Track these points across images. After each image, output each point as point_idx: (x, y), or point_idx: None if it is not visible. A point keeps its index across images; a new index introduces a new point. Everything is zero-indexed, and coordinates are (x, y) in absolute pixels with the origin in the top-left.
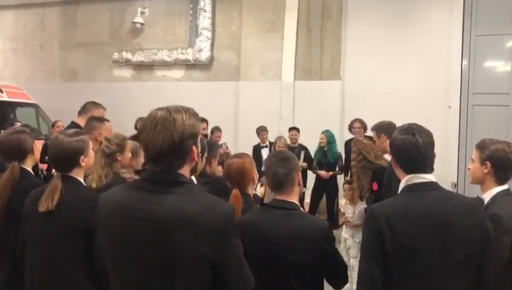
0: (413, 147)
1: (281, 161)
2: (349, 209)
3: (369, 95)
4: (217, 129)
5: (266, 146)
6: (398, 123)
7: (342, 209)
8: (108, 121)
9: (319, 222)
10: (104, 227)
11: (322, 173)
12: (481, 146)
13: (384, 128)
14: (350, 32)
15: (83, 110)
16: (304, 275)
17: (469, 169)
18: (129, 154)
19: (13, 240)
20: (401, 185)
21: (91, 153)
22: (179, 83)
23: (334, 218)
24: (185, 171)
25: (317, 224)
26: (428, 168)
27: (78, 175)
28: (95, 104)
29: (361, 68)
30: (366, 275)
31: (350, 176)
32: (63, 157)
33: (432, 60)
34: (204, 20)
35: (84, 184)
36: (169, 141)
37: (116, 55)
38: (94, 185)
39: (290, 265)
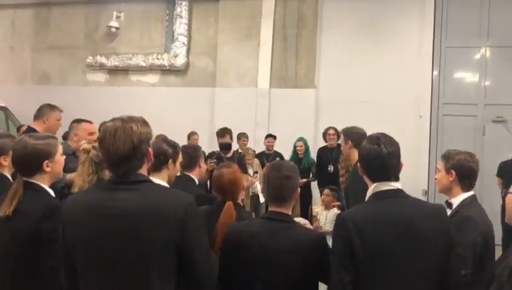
0: (378, 157)
1: (287, 179)
2: (323, 214)
3: (343, 104)
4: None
5: None
6: (371, 131)
7: (317, 216)
8: (87, 121)
9: (317, 234)
10: (73, 230)
11: (301, 181)
12: (446, 157)
13: (353, 135)
14: (325, 42)
15: (38, 114)
16: (303, 288)
17: (435, 179)
18: None
19: None
20: (369, 192)
21: (59, 158)
22: (154, 88)
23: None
24: (144, 171)
25: (317, 236)
26: (392, 177)
27: (42, 181)
28: (50, 106)
29: (335, 77)
30: (336, 282)
31: (335, 184)
32: (25, 161)
33: (403, 70)
34: (180, 26)
35: (49, 191)
36: (130, 144)
37: (90, 59)
38: (76, 191)
39: (291, 278)
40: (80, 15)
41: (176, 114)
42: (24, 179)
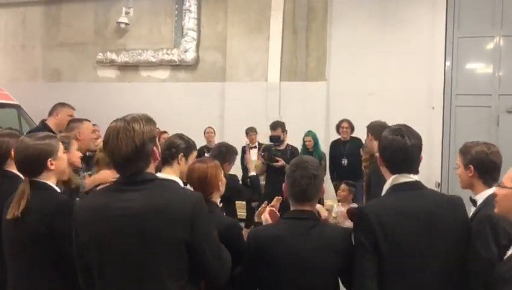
0: (401, 149)
1: (314, 178)
2: (340, 210)
3: (354, 96)
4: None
5: (255, 146)
6: None
7: (332, 210)
8: (88, 120)
9: (344, 230)
10: (84, 232)
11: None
12: (463, 150)
13: (373, 128)
14: (335, 34)
15: (51, 112)
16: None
17: (458, 175)
18: None
19: None
20: (387, 185)
21: (62, 156)
22: (164, 84)
23: None
24: (151, 169)
25: (345, 232)
26: (413, 170)
27: (49, 179)
28: (62, 104)
29: (346, 69)
30: (361, 276)
31: (349, 178)
32: (29, 162)
33: (415, 61)
34: (189, 21)
35: (56, 189)
36: (132, 146)
37: (100, 56)
38: None
39: (326, 278)
40: (89, 11)
41: (186, 109)
42: (31, 179)
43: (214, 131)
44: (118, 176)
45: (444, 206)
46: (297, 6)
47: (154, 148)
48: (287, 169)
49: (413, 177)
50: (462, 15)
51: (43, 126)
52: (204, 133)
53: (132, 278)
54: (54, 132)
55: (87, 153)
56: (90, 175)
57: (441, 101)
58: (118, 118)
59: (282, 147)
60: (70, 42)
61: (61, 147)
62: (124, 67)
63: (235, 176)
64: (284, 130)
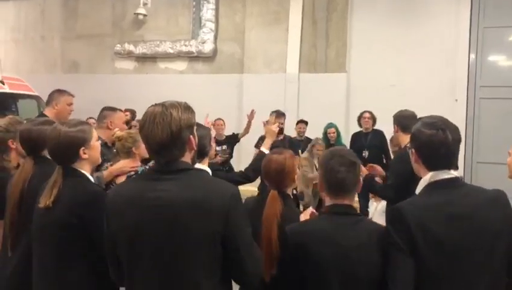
0: (442, 144)
1: (350, 166)
2: (373, 205)
3: (374, 88)
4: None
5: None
6: None
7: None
8: (121, 110)
9: (383, 226)
10: (116, 221)
11: None
12: None
13: (399, 119)
14: (356, 25)
15: (48, 100)
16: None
17: (507, 164)
18: (143, 145)
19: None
20: (423, 182)
21: (95, 144)
22: (182, 76)
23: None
24: (187, 159)
25: (384, 229)
26: (453, 165)
27: (82, 167)
28: (60, 92)
29: (367, 61)
30: (398, 281)
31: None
32: (61, 150)
33: (438, 52)
34: (207, 12)
35: (90, 177)
36: (168, 132)
37: (118, 47)
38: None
39: (374, 276)
40: (107, 3)
41: (204, 101)
42: (65, 165)
43: (224, 123)
44: (135, 164)
45: (487, 203)
46: None
47: (191, 137)
48: (320, 159)
49: (453, 174)
50: (487, 4)
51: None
52: (214, 124)
53: (163, 271)
54: None
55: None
56: (112, 165)
57: (465, 93)
58: (156, 103)
59: (281, 137)
60: (88, 34)
61: (94, 134)
62: (142, 58)
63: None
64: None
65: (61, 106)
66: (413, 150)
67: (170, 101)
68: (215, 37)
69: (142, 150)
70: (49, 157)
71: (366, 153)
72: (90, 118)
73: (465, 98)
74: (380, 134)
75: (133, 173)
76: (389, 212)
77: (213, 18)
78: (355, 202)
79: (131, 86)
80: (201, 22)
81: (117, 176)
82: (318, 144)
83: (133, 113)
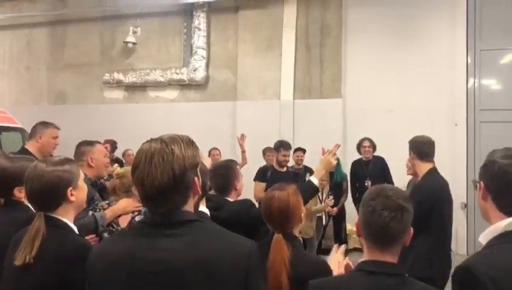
0: None
1: (401, 211)
2: None
3: (371, 113)
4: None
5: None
6: (402, 141)
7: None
8: (99, 142)
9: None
10: (102, 287)
11: (332, 210)
12: None
13: (416, 145)
14: (350, 49)
15: (32, 133)
16: None
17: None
18: None
19: None
20: (495, 230)
21: (82, 185)
22: (173, 104)
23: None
24: (189, 207)
25: None
26: None
27: (66, 214)
28: (44, 124)
29: (362, 85)
30: None
31: None
32: (44, 192)
33: (436, 76)
34: (199, 39)
35: (74, 227)
36: (170, 174)
37: (107, 76)
38: None
39: None
40: (95, 32)
41: (196, 130)
42: (45, 214)
43: (220, 153)
44: (138, 204)
45: None
46: (310, 22)
47: (196, 179)
48: (364, 197)
49: None
50: (483, 27)
51: (25, 153)
52: (209, 154)
53: None
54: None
55: (100, 181)
56: (109, 205)
57: (464, 117)
58: (152, 138)
59: (284, 169)
60: (75, 63)
61: (81, 174)
62: (132, 87)
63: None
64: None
65: (46, 139)
66: (481, 184)
67: (169, 135)
68: (207, 64)
69: None
70: (22, 200)
71: (369, 183)
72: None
73: (465, 122)
74: (381, 161)
75: (136, 213)
76: (458, 272)
77: (204, 45)
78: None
79: (120, 116)
80: (192, 49)
81: (119, 215)
82: None
83: (112, 144)
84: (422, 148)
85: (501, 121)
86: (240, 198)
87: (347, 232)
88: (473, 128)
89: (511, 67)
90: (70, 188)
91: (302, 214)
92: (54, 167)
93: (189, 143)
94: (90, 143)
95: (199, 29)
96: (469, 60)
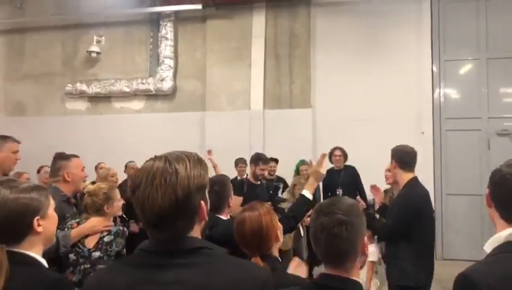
0: None
1: (341, 226)
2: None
3: (341, 123)
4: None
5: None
6: (371, 150)
7: None
8: (76, 156)
9: None
10: None
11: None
12: None
13: (398, 154)
14: (319, 60)
15: None
16: None
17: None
18: (119, 203)
19: None
20: (497, 239)
21: (52, 214)
22: (139, 115)
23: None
24: (196, 233)
25: None
26: None
27: (33, 248)
28: (3, 138)
29: (332, 95)
30: None
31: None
32: (7, 223)
33: (403, 85)
34: (166, 48)
35: (43, 262)
36: (172, 198)
37: (69, 87)
38: None
39: None
40: (56, 41)
41: (163, 141)
42: (8, 249)
43: None
44: (108, 223)
45: None
46: (279, 32)
47: (202, 203)
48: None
49: None
50: (447, 38)
51: None
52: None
53: None
54: None
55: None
56: (78, 224)
57: (431, 125)
58: (156, 156)
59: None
60: (35, 73)
61: (51, 202)
62: (95, 98)
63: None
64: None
65: (5, 155)
66: (487, 191)
67: (176, 152)
68: (175, 74)
69: (115, 208)
70: None
71: (340, 191)
72: (43, 166)
73: (431, 131)
74: (352, 170)
75: (106, 233)
76: (456, 281)
77: (172, 55)
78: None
79: (84, 128)
80: (159, 59)
81: (87, 236)
82: (300, 183)
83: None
84: (404, 158)
85: (466, 129)
86: None
87: None
88: (439, 136)
89: (472, 77)
90: (37, 217)
91: (278, 232)
92: (19, 193)
93: (197, 162)
94: (66, 157)
95: (166, 39)
96: (434, 70)
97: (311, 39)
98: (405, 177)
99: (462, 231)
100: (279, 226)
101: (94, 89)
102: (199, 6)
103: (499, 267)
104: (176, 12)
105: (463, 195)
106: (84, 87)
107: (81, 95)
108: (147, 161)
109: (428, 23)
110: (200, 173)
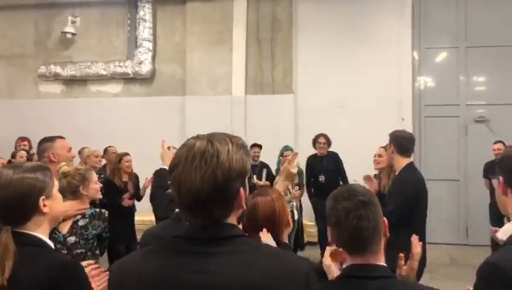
0: None
1: (366, 210)
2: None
3: (323, 109)
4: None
5: None
6: (353, 136)
7: None
8: (61, 137)
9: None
10: None
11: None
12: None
13: (397, 139)
14: (301, 45)
15: None
16: None
17: None
18: (96, 186)
19: None
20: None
21: (57, 195)
22: (116, 99)
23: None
24: (233, 220)
25: None
26: None
27: (39, 228)
28: None
29: (314, 81)
30: None
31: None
32: (12, 203)
33: (384, 72)
34: (144, 31)
35: (51, 244)
36: (211, 181)
37: (42, 69)
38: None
39: None
40: (28, 21)
41: (142, 126)
42: (13, 230)
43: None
44: (82, 206)
45: None
46: (260, 17)
47: (242, 190)
48: (327, 207)
49: None
50: (428, 26)
51: None
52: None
53: None
54: None
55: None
56: None
57: (410, 112)
58: (199, 135)
59: None
60: (6, 55)
61: (56, 183)
62: (71, 81)
63: None
64: None
65: None
66: (500, 179)
67: (219, 134)
68: (153, 58)
69: (92, 190)
70: None
71: (322, 178)
72: (18, 151)
73: (411, 117)
74: (335, 156)
75: (80, 217)
76: (483, 268)
77: (150, 37)
78: None
79: (58, 112)
80: (137, 42)
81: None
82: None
83: (30, 141)
84: (403, 143)
85: (444, 116)
86: None
87: (302, 226)
88: (418, 122)
89: (451, 65)
90: (43, 197)
91: (289, 218)
92: (23, 173)
93: (240, 147)
94: (51, 139)
95: (144, 21)
96: (414, 57)
97: (293, 24)
98: (402, 162)
99: (440, 215)
100: (289, 213)
101: (69, 71)
102: None
103: None
104: None
105: (442, 180)
106: (58, 69)
107: (56, 77)
108: (189, 139)
109: (410, 11)
110: (242, 157)
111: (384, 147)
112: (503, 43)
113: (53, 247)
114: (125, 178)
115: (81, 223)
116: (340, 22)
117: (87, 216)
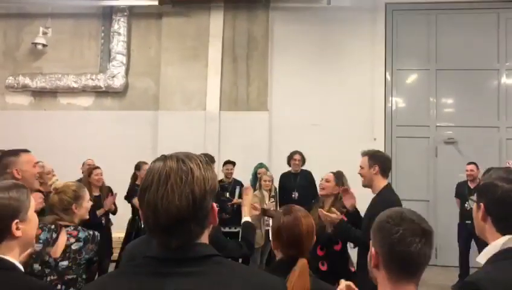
0: None
1: (428, 238)
2: None
3: (297, 127)
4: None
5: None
6: (325, 155)
7: None
8: (26, 150)
9: None
10: None
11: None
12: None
13: (381, 160)
14: (276, 63)
15: None
16: None
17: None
18: (88, 205)
19: None
20: (493, 248)
21: (32, 217)
22: (87, 112)
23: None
24: (205, 239)
25: None
26: None
27: (10, 252)
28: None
29: (289, 100)
30: None
31: None
32: None
33: (357, 92)
34: (118, 44)
35: (20, 267)
36: (189, 198)
37: (10, 80)
38: None
39: None
40: None
41: (113, 140)
42: None
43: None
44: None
45: None
46: (237, 34)
47: (214, 205)
48: (379, 226)
49: None
50: (400, 48)
51: None
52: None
53: None
54: None
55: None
56: (41, 229)
57: (383, 132)
58: (164, 155)
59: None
60: None
61: (32, 202)
62: (40, 93)
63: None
64: None
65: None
66: (481, 205)
67: (182, 152)
68: (127, 71)
69: (84, 210)
70: None
71: (295, 194)
72: None
73: (383, 137)
74: (308, 174)
75: (73, 241)
76: (464, 288)
77: (124, 51)
78: None
79: (26, 124)
80: (110, 55)
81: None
82: (265, 174)
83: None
84: (386, 164)
85: (415, 137)
86: None
87: None
88: (390, 142)
89: (422, 87)
90: (17, 220)
91: (314, 235)
92: None
93: (208, 163)
94: (14, 152)
95: (119, 34)
96: (387, 78)
97: (269, 43)
98: (381, 183)
99: None
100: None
101: (38, 83)
102: (155, 2)
103: (499, 274)
104: (131, 7)
105: (412, 200)
106: (27, 80)
107: (24, 88)
108: (155, 160)
109: (383, 33)
110: (213, 174)
111: (334, 173)
112: (471, 67)
113: (22, 270)
114: (95, 192)
115: (74, 247)
116: (315, 42)
117: (81, 240)
